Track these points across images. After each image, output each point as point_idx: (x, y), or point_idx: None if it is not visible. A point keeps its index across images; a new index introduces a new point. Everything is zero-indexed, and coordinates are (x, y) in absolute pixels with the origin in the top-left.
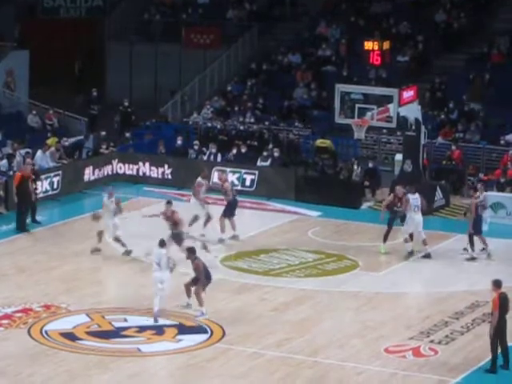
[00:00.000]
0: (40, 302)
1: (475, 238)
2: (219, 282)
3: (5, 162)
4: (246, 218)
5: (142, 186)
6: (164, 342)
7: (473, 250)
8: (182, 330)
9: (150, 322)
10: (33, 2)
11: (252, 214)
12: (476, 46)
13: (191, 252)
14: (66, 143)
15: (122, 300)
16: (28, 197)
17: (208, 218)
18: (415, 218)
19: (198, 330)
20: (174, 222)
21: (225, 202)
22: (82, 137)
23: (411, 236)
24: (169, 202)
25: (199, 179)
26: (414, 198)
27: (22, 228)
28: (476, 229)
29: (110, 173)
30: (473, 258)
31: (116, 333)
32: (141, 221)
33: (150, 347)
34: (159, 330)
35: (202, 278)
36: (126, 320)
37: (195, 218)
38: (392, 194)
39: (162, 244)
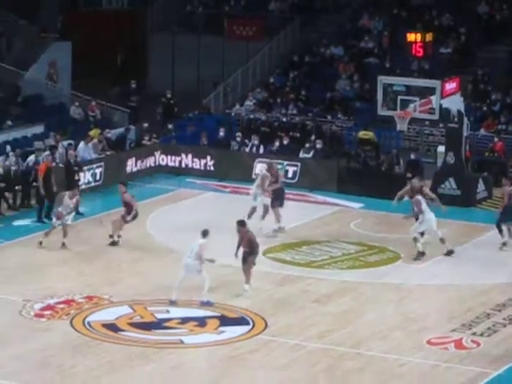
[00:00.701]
0: (82, 293)
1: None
2: (262, 274)
3: (32, 157)
4: (288, 210)
5: (185, 178)
6: (206, 334)
7: (502, 237)
8: (225, 321)
9: (192, 313)
10: None
11: (294, 205)
12: None
13: (242, 225)
14: (109, 135)
15: (164, 291)
16: (50, 188)
17: (266, 211)
18: (430, 218)
19: (240, 321)
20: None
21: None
22: (122, 129)
23: (422, 234)
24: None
25: (265, 172)
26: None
27: (39, 218)
28: (505, 218)
29: (152, 164)
30: (504, 244)
31: (158, 324)
32: (182, 213)
33: (192, 339)
34: (201, 322)
35: (255, 251)
36: (168, 311)
37: (253, 210)
38: (409, 185)
39: (205, 234)
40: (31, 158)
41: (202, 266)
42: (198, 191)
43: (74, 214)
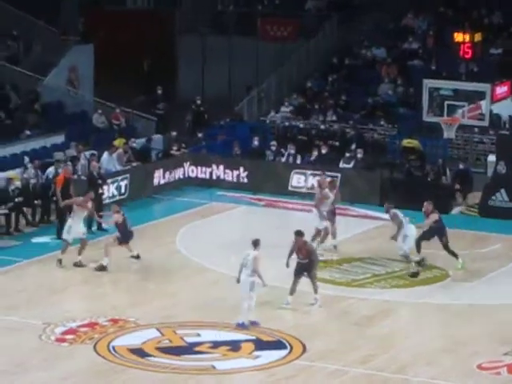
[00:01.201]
0: (107, 315)
1: None
2: (299, 294)
3: (52, 169)
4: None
5: (216, 191)
6: (240, 359)
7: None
8: (260, 345)
9: (224, 336)
10: None
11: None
12: None
13: (299, 235)
14: (134, 144)
15: (194, 313)
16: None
17: (326, 231)
18: (413, 233)
19: (277, 345)
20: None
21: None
22: (143, 139)
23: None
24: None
25: (326, 190)
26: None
27: (59, 234)
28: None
29: (181, 176)
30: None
31: (188, 349)
32: (214, 228)
33: (225, 364)
34: (235, 346)
35: (316, 264)
36: (199, 335)
37: (318, 232)
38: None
39: (256, 244)
40: (50, 169)
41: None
42: (231, 205)
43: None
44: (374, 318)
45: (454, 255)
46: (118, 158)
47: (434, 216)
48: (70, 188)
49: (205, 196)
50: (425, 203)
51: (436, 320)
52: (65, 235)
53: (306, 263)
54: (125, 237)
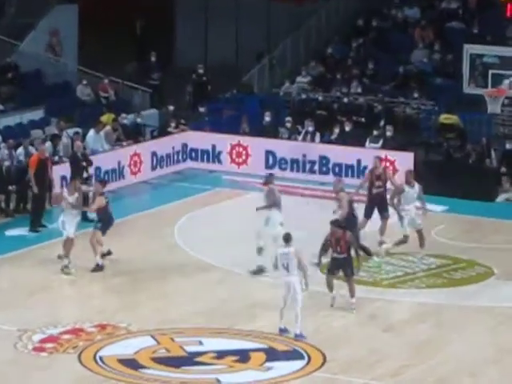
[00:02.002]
0: (93, 320)
1: None
2: (318, 296)
3: (21, 149)
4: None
5: (221, 175)
6: (249, 371)
7: None
8: (272, 355)
9: (231, 345)
10: None
11: (360, 208)
12: None
13: (337, 225)
14: (125, 121)
15: (195, 318)
16: (46, 186)
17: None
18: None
19: (292, 355)
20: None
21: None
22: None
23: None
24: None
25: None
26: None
27: (34, 226)
28: None
29: (180, 158)
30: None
31: (189, 359)
32: (219, 218)
33: (231, 377)
34: (243, 356)
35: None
36: (201, 343)
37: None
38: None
39: (288, 240)
40: (20, 150)
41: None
42: (239, 191)
43: (78, 218)
44: (408, 323)
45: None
46: (106, 137)
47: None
48: (48, 172)
49: (208, 181)
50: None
51: (480, 325)
52: (65, 231)
53: (345, 258)
54: (105, 224)
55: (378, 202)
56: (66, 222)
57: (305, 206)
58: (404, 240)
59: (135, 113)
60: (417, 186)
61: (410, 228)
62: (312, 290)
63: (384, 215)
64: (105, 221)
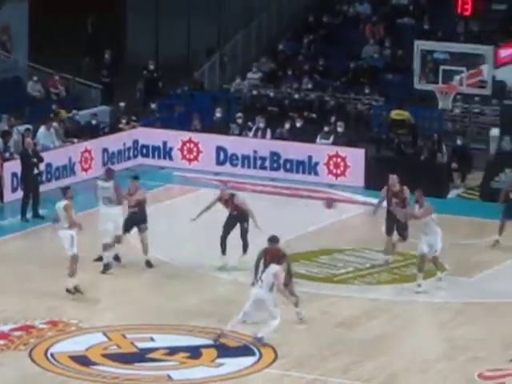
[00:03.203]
0: (44, 317)
1: None
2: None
3: None
4: (303, 210)
5: (172, 171)
6: (201, 367)
7: None
8: (224, 351)
9: (182, 341)
10: None
11: (311, 204)
12: None
13: (274, 241)
14: (77, 117)
15: (147, 314)
16: None
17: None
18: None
19: (244, 351)
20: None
21: None
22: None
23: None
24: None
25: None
26: None
27: None
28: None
29: (131, 154)
30: None
31: (140, 356)
32: (171, 215)
33: (182, 374)
34: (195, 352)
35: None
36: (152, 339)
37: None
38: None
39: (280, 260)
40: None
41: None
42: (190, 187)
43: None
44: (359, 319)
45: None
46: (57, 133)
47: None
48: None
49: (159, 177)
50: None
51: (431, 321)
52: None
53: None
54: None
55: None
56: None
57: (258, 201)
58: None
59: (91, 113)
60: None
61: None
62: None
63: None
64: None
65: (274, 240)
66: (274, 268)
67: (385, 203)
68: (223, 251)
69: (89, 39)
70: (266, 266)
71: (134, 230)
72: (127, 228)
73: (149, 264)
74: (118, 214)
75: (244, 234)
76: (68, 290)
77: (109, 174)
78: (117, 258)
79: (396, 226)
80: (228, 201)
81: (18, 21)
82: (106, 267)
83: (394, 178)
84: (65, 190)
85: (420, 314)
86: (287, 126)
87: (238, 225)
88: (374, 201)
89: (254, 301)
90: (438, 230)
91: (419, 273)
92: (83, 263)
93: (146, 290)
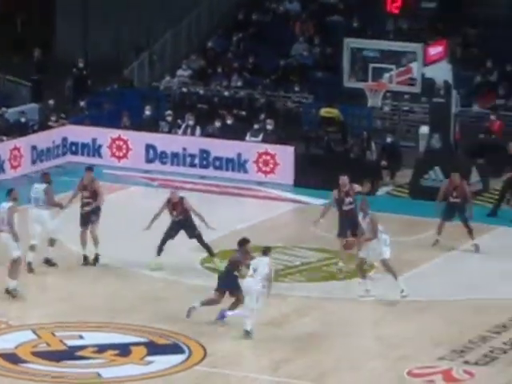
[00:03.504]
0: None
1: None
2: (199, 289)
3: None
4: (231, 208)
5: (102, 169)
6: (130, 365)
7: None
8: (153, 349)
9: (112, 339)
10: None
11: (240, 202)
12: None
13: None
14: (6, 115)
15: (76, 312)
16: None
17: None
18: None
19: (173, 349)
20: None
21: None
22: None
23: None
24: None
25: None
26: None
27: None
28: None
29: (59, 152)
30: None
31: (69, 353)
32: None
33: (112, 371)
34: (124, 350)
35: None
36: (81, 337)
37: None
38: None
39: (266, 252)
40: None
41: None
42: (120, 185)
43: None
44: (289, 316)
45: (208, 250)
46: None
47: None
48: None
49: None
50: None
51: (362, 319)
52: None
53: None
54: None
55: None
56: None
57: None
58: None
59: (19, 111)
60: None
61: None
62: (196, 284)
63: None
64: None
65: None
66: (267, 259)
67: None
68: (159, 253)
69: (18, 37)
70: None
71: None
72: (84, 223)
73: (96, 259)
74: (46, 217)
75: (200, 240)
76: (7, 291)
77: (44, 178)
78: (48, 261)
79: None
80: (177, 204)
81: None
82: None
83: (344, 179)
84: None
85: (351, 312)
86: (217, 123)
87: (184, 231)
88: (304, 198)
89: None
90: (383, 236)
91: (362, 279)
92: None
93: (76, 287)
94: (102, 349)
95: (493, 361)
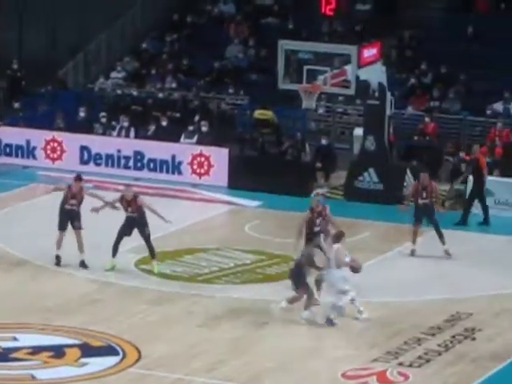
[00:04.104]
0: None
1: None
2: (133, 291)
3: None
4: (166, 210)
5: (36, 170)
6: (64, 367)
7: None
8: (87, 351)
9: (46, 340)
10: None
11: (174, 204)
12: None
13: None
14: None
15: (10, 313)
16: None
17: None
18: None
19: (107, 351)
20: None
21: None
22: None
23: None
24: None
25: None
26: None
27: None
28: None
29: None
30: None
31: (3, 355)
32: (37, 213)
33: (46, 373)
34: (58, 352)
35: None
36: (15, 339)
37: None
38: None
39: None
40: None
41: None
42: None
43: None
44: (223, 318)
45: (151, 252)
46: None
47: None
48: None
49: (24, 176)
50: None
51: (295, 320)
52: None
53: None
54: None
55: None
56: None
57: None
58: None
59: None
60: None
61: None
62: (130, 286)
63: None
64: None
65: None
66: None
67: None
68: (114, 254)
69: None
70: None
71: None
72: (63, 226)
73: (83, 264)
74: None
75: (148, 239)
76: None
77: None
78: None
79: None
80: (131, 201)
81: None
82: None
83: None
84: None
85: (285, 313)
86: (152, 125)
87: (137, 230)
88: (238, 200)
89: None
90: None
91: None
92: None
93: (10, 288)
94: (36, 350)
95: (427, 363)
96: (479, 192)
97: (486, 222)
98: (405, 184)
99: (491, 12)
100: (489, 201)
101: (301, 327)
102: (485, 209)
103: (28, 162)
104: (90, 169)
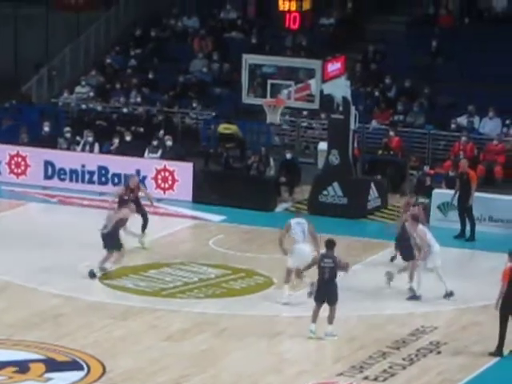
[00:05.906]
0: None
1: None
2: (97, 306)
3: None
4: (130, 224)
5: (0, 185)
6: (29, 382)
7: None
8: (52, 366)
9: (11, 355)
10: None
11: (138, 218)
12: (419, 5)
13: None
14: None
15: None
16: None
17: None
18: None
19: (72, 365)
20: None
21: None
22: None
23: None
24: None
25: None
26: (299, 223)
27: None
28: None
29: None
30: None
31: None
32: None
33: None
34: (23, 367)
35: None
36: None
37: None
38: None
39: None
40: None
41: None
42: (18, 202)
43: None
44: (188, 332)
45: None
46: None
47: None
48: None
49: None
50: None
51: (260, 334)
52: None
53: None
54: None
55: None
56: None
57: (86, 216)
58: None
59: None
60: None
61: None
62: (94, 301)
63: None
64: None
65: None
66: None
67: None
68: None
69: None
70: None
71: None
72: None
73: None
74: None
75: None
76: None
77: None
78: None
79: None
80: (134, 190)
81: None
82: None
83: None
84: None
85: (248, 328)
86: (116, 140)
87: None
88: (202, 215)
89: None
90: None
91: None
92: None
93: None
94: (1, 365)
95: (392, 376)
96: (467, 207)
97: (471, 238)
98: (369, 198)
99: (455, 26)
100: (452, 215)
101: (264, 342)
102: (472, 224)
103: None
104: (54, 184)
